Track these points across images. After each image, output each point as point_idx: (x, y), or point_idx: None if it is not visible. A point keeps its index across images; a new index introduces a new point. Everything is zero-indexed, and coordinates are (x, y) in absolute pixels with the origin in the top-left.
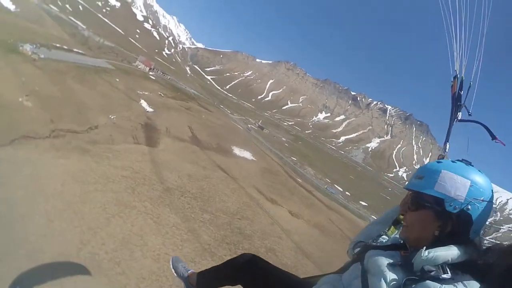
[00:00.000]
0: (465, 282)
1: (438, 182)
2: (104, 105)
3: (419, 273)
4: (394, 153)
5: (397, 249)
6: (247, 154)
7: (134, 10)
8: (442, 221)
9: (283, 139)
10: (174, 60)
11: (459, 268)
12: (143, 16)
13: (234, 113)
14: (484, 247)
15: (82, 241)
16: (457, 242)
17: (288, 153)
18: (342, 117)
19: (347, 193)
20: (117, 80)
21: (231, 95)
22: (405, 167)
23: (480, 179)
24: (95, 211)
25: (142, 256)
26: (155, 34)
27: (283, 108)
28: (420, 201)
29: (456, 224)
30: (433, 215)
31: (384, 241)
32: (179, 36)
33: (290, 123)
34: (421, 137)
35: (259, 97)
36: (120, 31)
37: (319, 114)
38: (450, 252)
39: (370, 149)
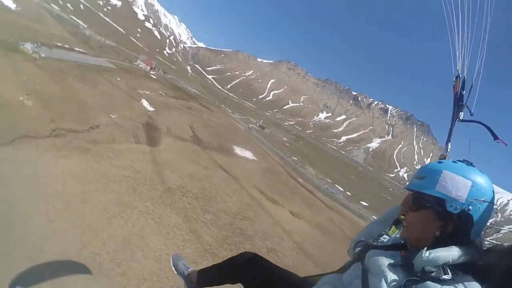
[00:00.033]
0: (465, 283)
1: (439, 183)
2: (105, 104)
3: (419, 274)
4: (395, 153)
5: (397, 249)
6: (248, 154)
7: (135, 9)
8: (443, 221)
9: (284, 138)
10: (175, 59)
11: (459, 269)
12: (144, 15)
13: (235, 113)
14: (484, 248)
15: (83, 242)
16: (458, 242)
17: (289, 153)
18: (343, 117)
19: (348, 193)
20: (118, 79)
21: (232, 95)
22: (406, 167)
23: (481, 179)
24: (96, 211)
25: (143, 256)
26: (156, 33)
27: (284, 107)
28: (421, 201)
29: (457, 224)
30: (434, 216)
31: (385, 240)
32: (180, 35)
33: (291, 122)
34: (422, 137)
35: (260, 96)
36: (121, 30)
37: (320, 114)
38: (451, 253)
39: (371, 149)
